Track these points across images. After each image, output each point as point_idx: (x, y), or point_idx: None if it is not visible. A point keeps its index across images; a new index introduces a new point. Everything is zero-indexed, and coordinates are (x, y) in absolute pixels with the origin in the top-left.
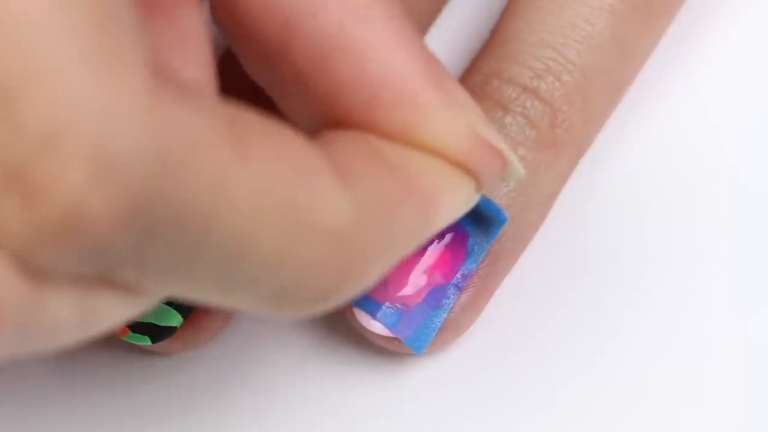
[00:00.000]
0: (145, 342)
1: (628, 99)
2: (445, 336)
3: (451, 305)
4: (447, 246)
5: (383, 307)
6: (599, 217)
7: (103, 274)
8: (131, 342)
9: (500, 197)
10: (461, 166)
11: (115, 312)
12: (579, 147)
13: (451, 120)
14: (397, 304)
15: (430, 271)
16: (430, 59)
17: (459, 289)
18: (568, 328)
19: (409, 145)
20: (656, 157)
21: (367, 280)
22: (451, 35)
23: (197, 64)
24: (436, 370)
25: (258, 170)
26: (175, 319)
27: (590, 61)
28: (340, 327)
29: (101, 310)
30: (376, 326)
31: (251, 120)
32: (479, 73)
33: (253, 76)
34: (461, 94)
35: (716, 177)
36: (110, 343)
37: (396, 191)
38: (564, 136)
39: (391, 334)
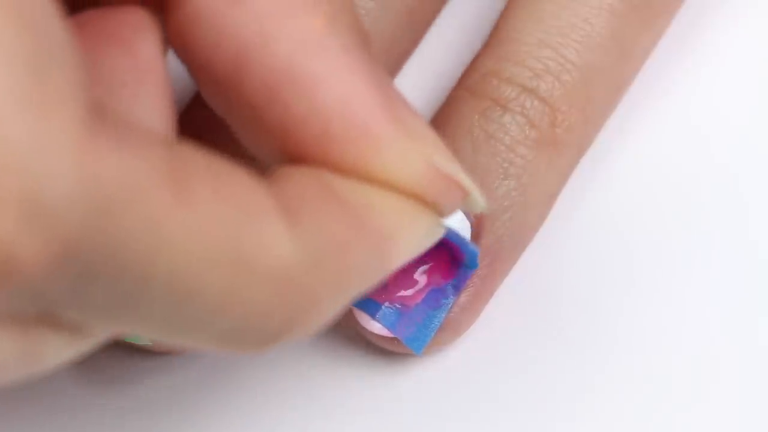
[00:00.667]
0: (145, 342)
1: (628, 99)
2: (445, 336)
3: (450, 305)
4: (447, 247)
5: (383, 307)
6: (599, 217)
7: (45, 314)
8: (131, 342)
9: (500, 197)
10: (419, 199)
11: (58, 351)
12: (579, 147)
13: (407, 152)
14: (397, 305)
15: (429, 272)
16: (386, 90)
17: (458, 289)
18: (568, 328)
19: (365, 179)
20: (656, 157)
21: (320, 319)
22: (451, 35)
23: (151, 96)
24: (436, 370)
25: (199, 213)
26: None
27: (590, 61)
28: (340, 327)
29: (43, 349)
30: (375, 326)
31: (195, 160)
32: (478, 73)
33: (212, 106)
34: (419, 125)
35: (716, 176)
36: (110, 343)
37: (348, 230)
38: (564, 136)
39: (390, 335)
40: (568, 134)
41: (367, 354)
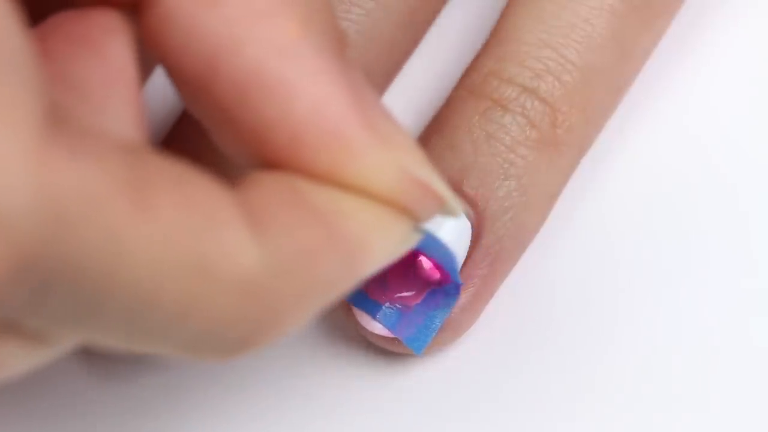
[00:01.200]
0: None
1: (628, 99)
2: (445, 336)
3: (451, 306)
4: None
5: (383, 307)
6: (599, 217)
7: (5, 323)
8: None
9: (501, 198)
10: (394, 206)
11: (21, 359)
12: (580, 147)
13: (380, 159)
14: (397, 305)
15: (431, 272)
16: (360, 94)
17: (458, 290)
18: (568, 328)
19: (338, 186)
20: (656, 157)
21: (287, 328)
22: (451, 35)
23: (120, 99)
24: (436, 370)
25: (160, 221)
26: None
27: (590, 61)
28: (340, 327)
29: (5, 357)
30: (376, 327)
31: (158, 167)
32: (478, 73)
33: (189, 109)
34: (394, 131)
35: (716, 177)
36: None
37: (317, 237)
38: (564, 136)
39: (391, 335)
40: (568, 135)
41: (367, 354)
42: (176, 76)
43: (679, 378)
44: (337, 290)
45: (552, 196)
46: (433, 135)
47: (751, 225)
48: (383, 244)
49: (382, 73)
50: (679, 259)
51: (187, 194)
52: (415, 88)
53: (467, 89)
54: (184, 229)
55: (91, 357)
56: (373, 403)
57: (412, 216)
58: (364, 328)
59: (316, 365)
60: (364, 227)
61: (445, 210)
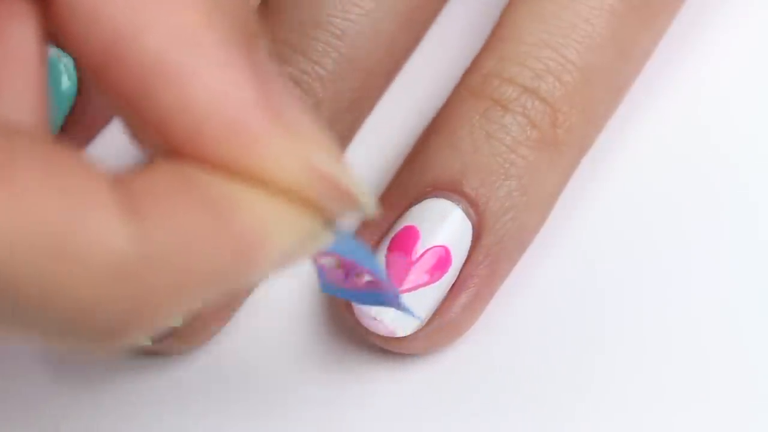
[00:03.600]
0: (145, 341)
1: (628, 99)
2: (445, 336)
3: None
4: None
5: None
6: (599, 217)
7: None
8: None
9: (502, 198)
10: (301, 200)
11: None
12: (580, 147)
13: (284, 150)
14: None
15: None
16: (267, 86)
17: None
18: (568, 328)
19: (240, 178)
20: (656, 157)
21: (164, 317)
22: (452, 35)
23: (16, 84)
24: (436, 370)
25: (23, 201)
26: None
27: (590, 61)
28: (340, 327)
29: None
30: (378, 326)
31: (28, 149)
32: (479, 73)
33: (99, 95)
34: (303, 123)
35: (716, 176)
36: None
37: (202, 227)
38: (565, 136)
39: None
40: (569, 134)
41: (367, 354)
42: (82, 64)
43: (681, 377)
44: (229, 282)
45: (552, 196)
46: (433, 135)
47: (751, 224)
48: (285, 239)
49: (382, 72)
50: (679, 259)
51: (55, 175)
52: (415, 88)
53: (468, 89)
54: (47, 209)
55: (91, 357)
56: (374, 403)
57: (321, 212)
58: (364, 328)
59: (316, 365)
60: (261, 220)
61: (357, 207)
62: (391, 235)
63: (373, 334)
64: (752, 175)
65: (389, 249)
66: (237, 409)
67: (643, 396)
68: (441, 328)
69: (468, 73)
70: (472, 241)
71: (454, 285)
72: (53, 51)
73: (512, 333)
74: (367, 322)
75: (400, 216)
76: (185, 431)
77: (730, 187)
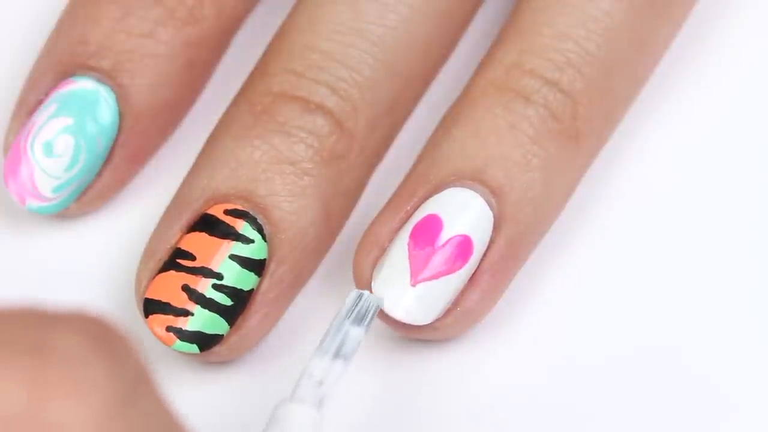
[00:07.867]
0: (194, 350)
1: (641, 97)
2: (464, 322)
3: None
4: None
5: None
6: (603, 217)
7: None
8: (179, 351)
9: (523, 188)
10: None
11: None
12: (599, 139)
13: None
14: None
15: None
16: None
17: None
18: (570, 328)
19: None
20: (661, 157)
21: None
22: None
23: None
24: (436, 370)
25: None
26: (222, 327)
27: (610, 53)
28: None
29: None
30: (397, 313)
31: None
32: (500, 65)
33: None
34: None
35: (721, 177)
36: None
37: None
38: (585, 128)
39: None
40: (588, 127)
41: (367, 354)
42: None
43: (684, 378)
44: None
45: (570, 188)
46: (454, 126)
47: (755, 225)
48: None
49: (419, 77)
50: (683, 260)
51: None
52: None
53: (489, 81)
54: None
55: None
56: (374, 402)
57: None
58: (385, 315)
59: None
60: None
61: None
62: (413, 221)
63: (392, 320)
64: (758, 175)
65: (412, 236)
66: (236, 408)
67: (646, 396)
68: (460, 314)
69: (488, 64)
70: (492, 230)
71: (474, 274)
72: (93, 84)
73: (513, 332)
74: (389, 309)
75: (421, 204)
76: (191, 423)
77: (736, 187)
